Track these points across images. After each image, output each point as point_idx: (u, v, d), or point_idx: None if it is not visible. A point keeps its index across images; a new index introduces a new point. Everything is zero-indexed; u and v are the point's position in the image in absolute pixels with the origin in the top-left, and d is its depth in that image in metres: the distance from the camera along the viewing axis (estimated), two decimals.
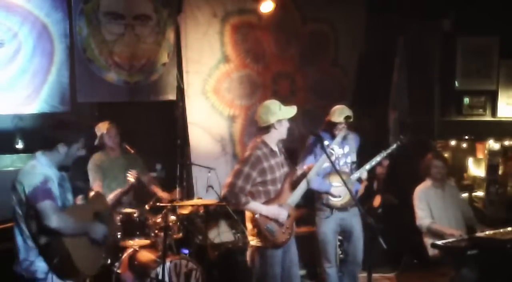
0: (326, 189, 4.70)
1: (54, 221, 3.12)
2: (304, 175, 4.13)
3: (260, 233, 3.94)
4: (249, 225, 4.05)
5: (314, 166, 4.15)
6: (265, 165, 3.96)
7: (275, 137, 4.06)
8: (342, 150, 4.77)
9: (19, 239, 3.28)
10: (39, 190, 3.16)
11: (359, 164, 4.82)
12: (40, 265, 3.25)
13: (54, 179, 3.29)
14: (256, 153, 3.94)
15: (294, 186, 4.11)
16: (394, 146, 4.80)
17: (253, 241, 4.02)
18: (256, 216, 3.92)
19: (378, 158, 4.75)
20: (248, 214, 4.05)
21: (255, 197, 3.99)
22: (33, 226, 3.22)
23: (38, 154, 3.34)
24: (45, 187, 3.18)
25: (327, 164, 4.29)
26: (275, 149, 4.10)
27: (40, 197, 3.15)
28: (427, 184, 5.18)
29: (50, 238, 3.21)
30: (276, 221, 3.94)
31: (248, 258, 4.13)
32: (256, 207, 3.92)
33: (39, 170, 3.25)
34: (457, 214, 5.10)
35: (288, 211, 4.02)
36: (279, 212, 3.95)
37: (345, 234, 4.88)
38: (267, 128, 4.00)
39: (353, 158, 4.79)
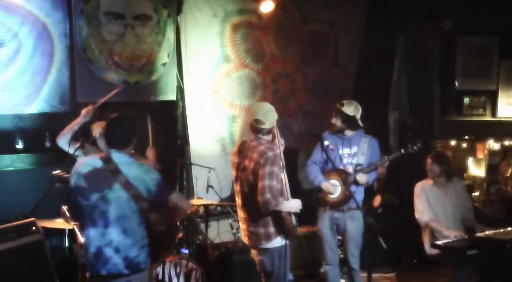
0: (319, 181, 4.72)
1: (188, 203, 3.47)
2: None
3: (288, 230, 3.92)
4: (276, 226, 3.94)
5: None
6: (281, 163, 3.94)
7: (269, 139, 4.03)
8: (349, 149, 4.76)
9: (120, 239, 3.25)
10: (162, 181, 3.37)
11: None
12: (142, 257, 3.32)
13: None
14: (277, 152, 3.88)
15: None
16: (398, 153, 4.76)
17: (277, 240, 3.95)
18: (283, 214, 3.88)
19: (379, 163, 4.73)
20: (275, 215, 3.94)
21: None
22: (153, 217, 3.34)
23: (125, 154, 3.38)
24: (161, 178, 3.39)
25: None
26: None
27: (168, 189, 3.44)
28: (428, 181, 5.18)
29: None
30: (295, 214, 3.96)
31: (270, 259, 4.01)
32: (285, 204, 3.89)
33: (146, 165, 3.43)
34: (456, 214, 5.09)
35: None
36: (298, 203, 3.96)
37: (341, 233, 4.89)
38: (270, 130, 3.97)
39: (360, 160, 4.73)
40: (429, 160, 5.13)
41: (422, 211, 5.06)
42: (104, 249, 3.26)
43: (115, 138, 3.39)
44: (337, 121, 4.73)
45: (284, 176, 3.97)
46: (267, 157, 3.81)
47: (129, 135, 3.42)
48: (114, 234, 3.26)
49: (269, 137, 4.00)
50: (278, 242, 3.96)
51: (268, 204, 3.76)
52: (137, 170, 3.32)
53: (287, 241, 3.99)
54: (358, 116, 4.69)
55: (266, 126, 3.93)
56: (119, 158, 3.34)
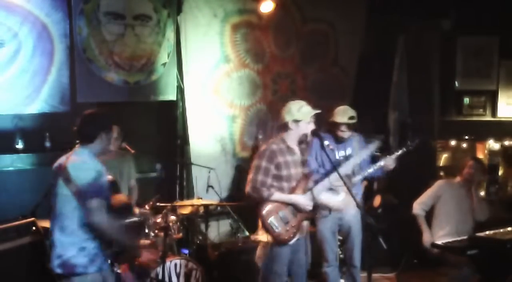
0: (332, 203, 4.60)
1: (104, 219, 3.18)
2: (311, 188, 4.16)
3: (266, 228, 3.96)
4: (259, 221, 4.05)
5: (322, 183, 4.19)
6: (281, 160, 3.99)
7: (292, 136, 4.08)
8: (344, 151, 4.76)
9: (57, 236, 3.25)
10: (91, 187, 3.17)
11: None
12: (81, 260, 3.22)
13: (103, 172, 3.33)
14: (271, 147, 4.01)
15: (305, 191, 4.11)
16: (399, 152, 4.72)
17: (263, 236, 4.02)
18: (263, 212, 3.93)
19: (381, 163, 4.67)
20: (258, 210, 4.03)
21: None
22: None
23: (82, 149, 3.33)
24: (97, 183, 3.20)
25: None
26: (293, 147, 4.11)
27: (91, 193, 3.16)
28: (454, 180, 5.18)
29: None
30: (284, 219, 3.97)
31: (257, 254, 4.14)
32: (282, 197, 3.97)
33: (91, 165, 3.25)
34: (468, 220, 5.06)
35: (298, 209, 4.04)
36: (305, 200, 4.01)
37: (343, 234, 4.89)
38: (284, 126, 4.06)
39: (355, 160, 4.71)
40: (472, 164, 5.12)
41: (420, 205, 5.09)
42: (51, 244, 3.30)
43: (81, 134, 3.37)
44: (344, 133, 4.72)
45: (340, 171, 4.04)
46: (260, 150, 4.06)
47: (96, 130, 3.35)
48: (55, 230, 3.27)
49: (287, 133, 4.05)
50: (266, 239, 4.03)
51: (248, 196, 3.99)
52: (75, 169, 3.22)
53: (275, 244, 3.99)
54: (348, 118, 4.69)
55: (282, 120, 4.08)
56: (76, 153, 3.32)
